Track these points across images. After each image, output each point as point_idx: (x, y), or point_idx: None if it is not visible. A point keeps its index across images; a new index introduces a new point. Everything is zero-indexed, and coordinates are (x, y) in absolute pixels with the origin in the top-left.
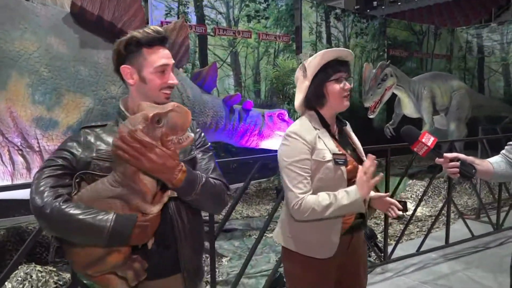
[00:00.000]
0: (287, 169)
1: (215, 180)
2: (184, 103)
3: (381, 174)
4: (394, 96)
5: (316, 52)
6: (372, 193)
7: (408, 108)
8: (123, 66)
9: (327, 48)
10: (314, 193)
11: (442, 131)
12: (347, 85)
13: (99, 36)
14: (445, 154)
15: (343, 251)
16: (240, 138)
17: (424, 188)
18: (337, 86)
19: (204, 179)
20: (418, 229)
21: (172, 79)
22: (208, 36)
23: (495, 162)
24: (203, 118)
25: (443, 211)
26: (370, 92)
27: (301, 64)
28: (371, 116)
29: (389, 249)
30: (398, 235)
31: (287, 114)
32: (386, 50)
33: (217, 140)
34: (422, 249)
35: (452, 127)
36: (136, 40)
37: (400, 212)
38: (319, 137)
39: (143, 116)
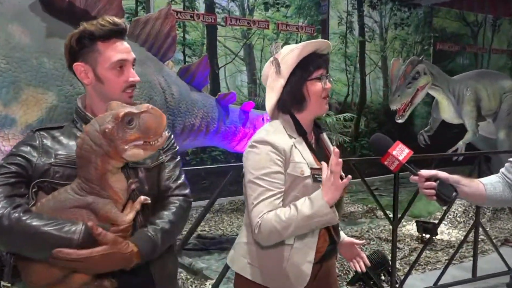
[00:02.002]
0: (253, 183)
1: (174, 207)
2: (168, 102)
3: (349, 176)
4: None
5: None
6: (345, 237)
7: (447, 112)
8: (75, 63)
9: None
10: None
11: (490, 141)
12: (328, 84)
13: (70, 25)
14: (420, 172)
15: (309, 282)
16: (237, 143)
17: (463, 208)
18: (318, 86)
19: (159, 236)
20: (447, 257)
21: (133, 76)
22: (218, 26)
23: (490, 183)
24: (191, 119)
25: (472, 237)
26: (397, 92)
27: (271, 58)
28: (399, 121)
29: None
30: (423, 264)
31: None
32: (432, 44)
33: (208, 144)
34: (441, 282)
35: (502, 136)
36: (89, 33)
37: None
38: (295, 146)
39: (113, 115)
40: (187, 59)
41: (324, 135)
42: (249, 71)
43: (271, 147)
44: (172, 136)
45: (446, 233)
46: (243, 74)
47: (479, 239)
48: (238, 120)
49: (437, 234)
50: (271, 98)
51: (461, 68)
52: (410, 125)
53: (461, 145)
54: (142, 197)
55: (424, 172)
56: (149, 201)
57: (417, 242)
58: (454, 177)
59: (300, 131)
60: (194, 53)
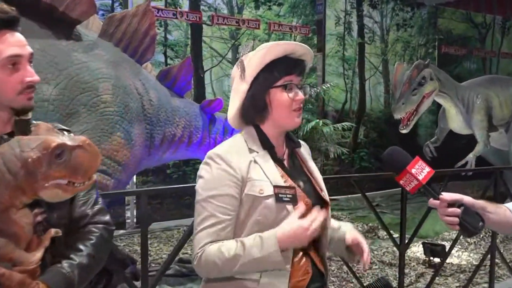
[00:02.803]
0: (199, 206)
1: (93, 238)
2: (145, 110)
3: (316, 228)
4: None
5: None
6: (351, 230)
7: (455, 121)
8: None
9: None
10: None
11: (502, 153)
12: (299, 95)
13: (34, 22)
14: (443, 196)
15: None
16: None
17: None
18: (284, 96)
19: (76, 272)
20: (458, 283)
21: (31, 75)
22: (204, 26)
23: None
24: (172, 129)
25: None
26: (402, 99)
27: (238, 60)
28: (403, 131)
29: None
30: None
31: None
32: (437, 46)
33: (191, 157)
34: None
35: None
36: None
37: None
38: (255, 162)
39: (43, 144)
40: (169, 61)
41: (303, 150)
42: None
43: (224, 164)
44: None
45: (456, 256)
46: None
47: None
48: (225, 129)
49: (446, 258)
50: (233, 105)
51: (468, 73)
52: (413, 136)
53: (471, 158)
54: (53, 230)
55: (447, 196)
56: (60, 234)
57: (424, 267)
58: (480, 203)
59: (265, 144)
60: (177, 55)
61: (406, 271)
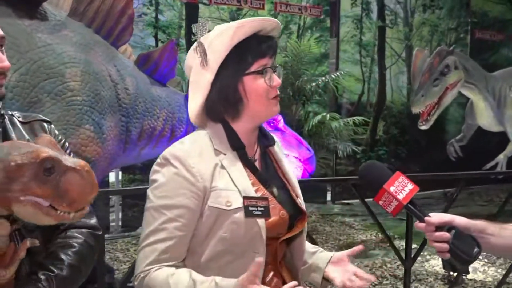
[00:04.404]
0: (149, 214)
1: (76, 245)
2: (120, 100)
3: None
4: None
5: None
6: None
7: (484, 117)
8: None
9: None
10: (207, 265)
11: None
12: (276, 80)
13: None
14: (429, 218)
15: None
16: None
17: None
18: (261, 83)
19: (55, 286)
20: None
21: (0, 61)
22: (201, 5)
23: None
24: (151, 121)
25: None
26: (421, 91)
27: (196, 43)
28: (423, 127)
29: None
30: None
31: (282, 121)
32: (469, 31)
33: None
34: None
35: None
36: None
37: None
38: (222, 166)
39: (34, 153)
40: (160, 45)
41: (276, 148)
42: None
43: (183, 169)
44: (64, 140)
45: (481, 271)
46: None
47: None
48: None
49: (468, 273)
50: (195, 100)
51: (505, 62)
52: (440, 132)
53: (501, 158)
54: (28, 241)
55: (434, 218)
56: (38, 244)
57: (442, 283)
58: (478, 224)
59: (235, 145)
60: (170, 38)
61: (422, 287)
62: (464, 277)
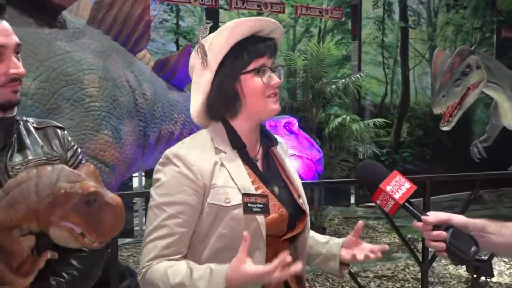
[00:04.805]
0: (152, 212)
1: (83, 250)
2: (138, 105)
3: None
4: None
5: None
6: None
7: (509, 117)
8: None
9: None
10: (208, 262)
11: None
12: (275, 80)
13: (12, 8)
14: (425, 217)
15: None
16: None
17: None
18: (258, 81)
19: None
20: None
21: (16, 67)
22: (221, 10)
23: None
24: (169, 126)
25: None
26: (442, 91)
27: (197, 45)
28: (444, 128)
29: None
30: None
31: (296, 124)
32: (495, 30)
33: None
34: None
35: None
36: None
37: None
38: (222, 164)
39: (82, 185)
40: None
41: (279, 149)
42: None
43: (183, 167)
44: (76, 146)
45: (507, 273)
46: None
47: None
48: None
49: (493, 275)
50: (195, 99)
51: None
52: (466, 134)
53: None
54: (49, 253)
55: (431, 217)
56: (56, 256)
57: (466, 286)
58: (477, 223)
59: (235, 143)
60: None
61: None
62: (489, 280)
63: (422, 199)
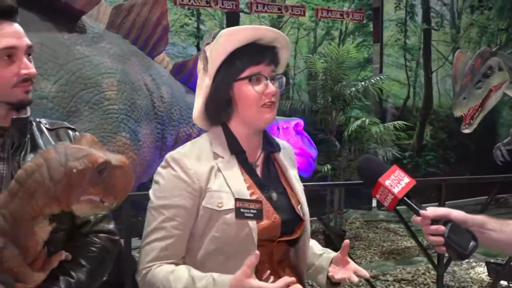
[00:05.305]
0: (150, 214)
1: (94, 249)
2: (156, 108)
3: None
4: None
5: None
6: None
7: None
8: None
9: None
10: (203, 263)
11: None
12: (270, 88)
13: (33, 13)
14: (424, 211)
15: None
16: None
17: None
18: (250, 89)
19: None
20: None
21: (27, 68)
22: (241, 14)
23: None
24: (187, 129)
25: None
26: (463, 93)
27: (201, 50)
28: (465, 131)
29: None
30: None
31: (302, 125)
32: None
33: None
34: None
35: None
36: None
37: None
38: (218, 169)
39: (90, 158)
40: None
41: (281, 156)
42: None
43: (180, 171)
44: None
45: None
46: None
47: None
48: None
49: None
50: (197, 102)
51: None
52: (491, 136)
53: None
54: (63, 254)
55: (430, 212)
56: (70, 258)
57: None
58: (478, 219)
59: (233, 148)
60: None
61: None
62: (511, 285)
63: (437, 203)
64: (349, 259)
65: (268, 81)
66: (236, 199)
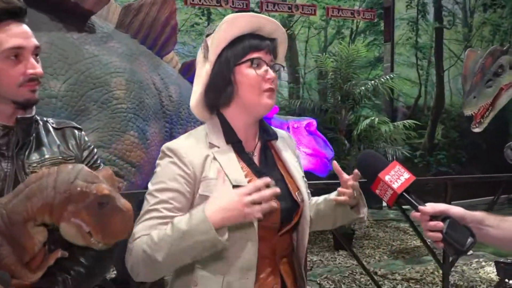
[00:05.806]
0: (145, 200)
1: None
2: (164, 106)
3: (273, 204)
4: None
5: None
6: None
7: None
8: None
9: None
10: None
11: None
12: (270, 74)
13: (44, 14)
14: (423, 207)
15: None
16: None
17: None
18: (252, 72)
19: (71, 285)
20: None
21: (33, 67)
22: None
23: None
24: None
25: None
26: (473, 92)
27: (203, 41)
28: (476, 130)
29: None
30: None
31: (315, 125)
32: None
33: None
34: None
35: None
36: None
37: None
38: (214, 158)
39: (98, 187)
40: None
41: (278, 144)
42: (290, 68)
43: (175, 158)
44: (96, 151)
45: None
46: (283, 71)
47: None
48: None
49: None
50: (195, 91)
51: None
52: (503, 135)
53: None
54: (60, 252)
55: (429, 208)
56: (67, 255)
57: None
58: (476, 215)
59: (230, 138)
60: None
61: None
62: None
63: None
64: (345, 176)
65: (268, 68)
66: (234, 186)
